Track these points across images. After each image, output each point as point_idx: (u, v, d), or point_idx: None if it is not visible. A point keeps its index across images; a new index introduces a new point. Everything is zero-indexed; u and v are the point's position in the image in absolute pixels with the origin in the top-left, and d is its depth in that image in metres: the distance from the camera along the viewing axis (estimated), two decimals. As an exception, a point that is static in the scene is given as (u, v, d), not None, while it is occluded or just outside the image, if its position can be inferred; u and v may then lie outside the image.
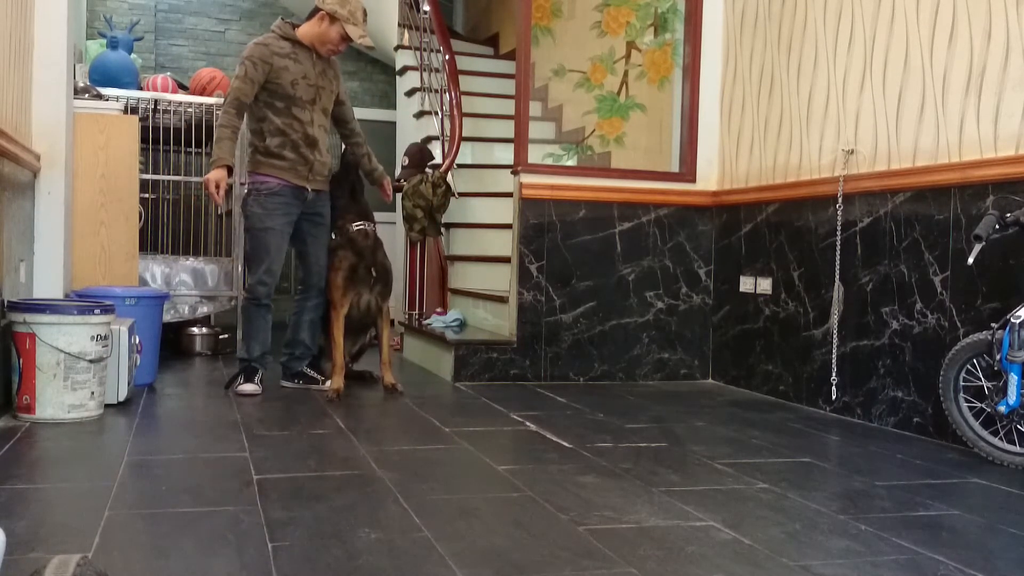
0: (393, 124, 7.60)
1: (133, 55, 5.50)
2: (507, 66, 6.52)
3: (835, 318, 3.75)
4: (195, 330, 5.31)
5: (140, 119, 4.69)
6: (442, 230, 5.75)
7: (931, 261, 3.32)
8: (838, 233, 3.76)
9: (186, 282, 5.25)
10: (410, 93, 6.99)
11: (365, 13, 3.88)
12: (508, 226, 4.64)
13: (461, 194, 5.84)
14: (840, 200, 3.74)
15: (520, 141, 4.46)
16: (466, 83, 6.24)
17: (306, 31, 3.89)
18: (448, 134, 5.97)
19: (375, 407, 3.69)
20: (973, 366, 2.98)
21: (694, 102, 4.71)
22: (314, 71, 3.88)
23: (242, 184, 4.83)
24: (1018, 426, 2.86)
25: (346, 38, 3.84)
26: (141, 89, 5.35)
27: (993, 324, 2.87)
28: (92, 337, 3.20)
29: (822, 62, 3.94)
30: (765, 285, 4.26)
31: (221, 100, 5.38)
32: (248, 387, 3.83)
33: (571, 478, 2.54)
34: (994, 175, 3.07)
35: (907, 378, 3.41)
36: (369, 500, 2.26)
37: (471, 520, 2.13)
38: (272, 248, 3.84)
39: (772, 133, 4.28)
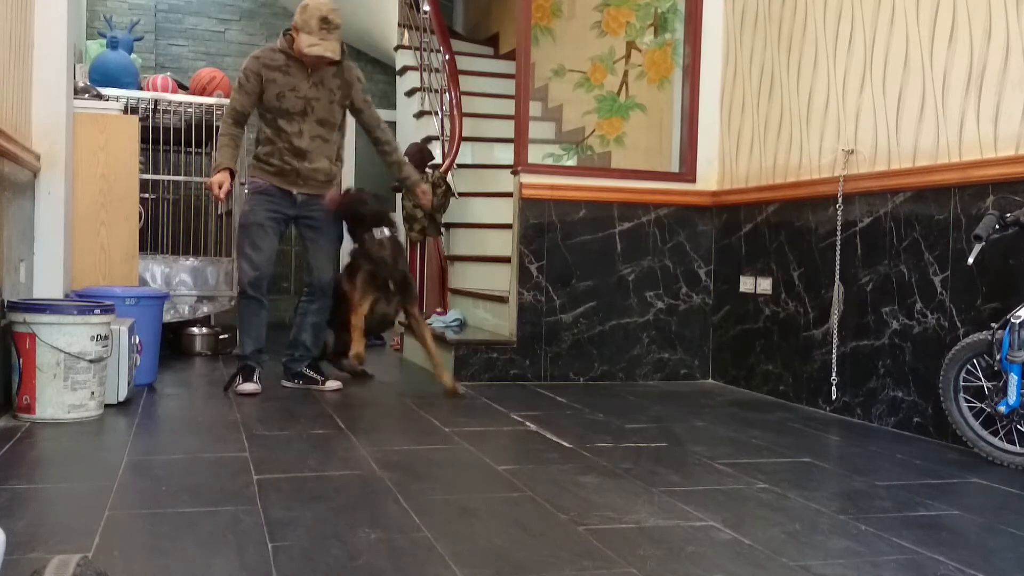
0: (393, 124, 7.60)
1: (133, 55, 5.50)
2: (507, 66, 6.52)
3: (835, 318, 3.75)
4: (195, 330, 5.31)
5: (140, 119, 4.69)
6: (442, 230, 5.75)
7: (931, 261, 3.32)
8: (838, 233, 3.76)
9: (186, 282, 5.25)
10: (410, 93, 6.99)
11: (325, 21, 3.74)
12: (508, 226, 4.64)
13: (461, 194, 5.84)
14: (840, 200, 3.74)
15: (520, 141, 4.46)
16: (466, 83, 6.24)
17: (295, 45, 3.88)
18: (448, 134, 5.98)
19: (375, 407, 3.69)
20: (973, 366, 2.98)
21: (694, 102, 4.71)
22: (306, 83, 3.87)
23: (242, 183, 4.85)
24: (1018, 426, 2.86)
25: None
26: (141, 89, 5.35)
27: (993, 324, 2.87)
28: (92, 337, 3.20)
29: (822, 62, 3.94)
30: (765, 285, 4.26)
31: (221, 100, 5.41)
32: (248, 386, 3.84)
33: (571, 478, 2.54)
34: (994, 175, 3.07)
35: (907, 378, 3.41)
36: (369, 500, 2.26)
37: (471, 520, 2.13)
38: (252, 241, 3.89)
39: (772, 133, 4.28)
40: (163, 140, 5.76)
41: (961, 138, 3.24)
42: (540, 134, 5.57)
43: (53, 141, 3.68)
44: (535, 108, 5.62)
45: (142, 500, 2.25)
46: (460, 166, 5.94)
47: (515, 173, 4.47)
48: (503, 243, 4.95)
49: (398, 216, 6.26)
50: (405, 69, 7.11)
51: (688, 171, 4.70)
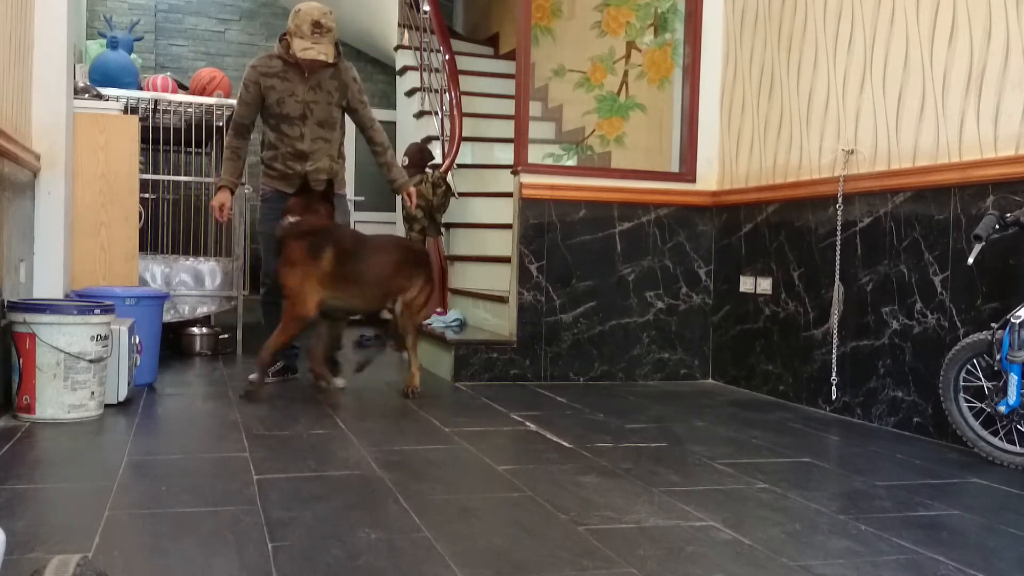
0: (393, 124, 7.60)
1: (133, 55, 5.50)
2: (507, 66, 6.52)
3: (835, 318, 3.75)
4: (195, 330, 5.31)
5: (140, 119, 4.69)
6: (442, 230, 5.75)
7: (931, 261, 3.32)
8: (838, 233, 3.76)
9: (186, 282, 5.25)
10: (410, 93, 6.99)
11: (317, 25, 3.79)
12: (508, 226, 4.64)
13: (461, 194, 5.84)
14: (840, 200, 3.74)
15: (520, 141, 4.46)
16: (466, 83, 6.24)
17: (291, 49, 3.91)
18: (448, 134, 5.98)
19: (375, 407, 3.69)
20: (973, 366, 2.98)
21: (694, 102, 4.71)
22: (304, 87, 3.95)
23: (245, 189, 4.93)
24: (1018, 426, 2.86)
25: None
26: (141, 89, 5.35)
27: (993, 324, 2.87)
28: (92, 337, 3.20)
29: (822, 62, 3.94)
30: (765, 285, 4.26)
31: (221, 100, 5.41)
32: (255, 376, 3.90)
33: (571, 478, 2.54)
34: (994, 175, 3.07)
35: (907, 378, 3.41)
36: (369, 500, 2.26)
37: (471, 520, 2.13)
38: (266, 248, 4.08)
39: (772, 133, 4.28)
40: (163, 140, 5.76)
41: (961, 138, 3.24)
42: (540, 134, 5.58)
43: (53, 141, 3.68)
44: (535, 108, 5.62)
45: (142, 500, 2.25)
46: (460, 166, 5.94)
47: (515, 173, 4.47)
48: (503, 243, 4.95)
49: (398, 216, 6.27)
50: (405, 69, 7.11)
51: (688, 171, 4.70)
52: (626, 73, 4.93)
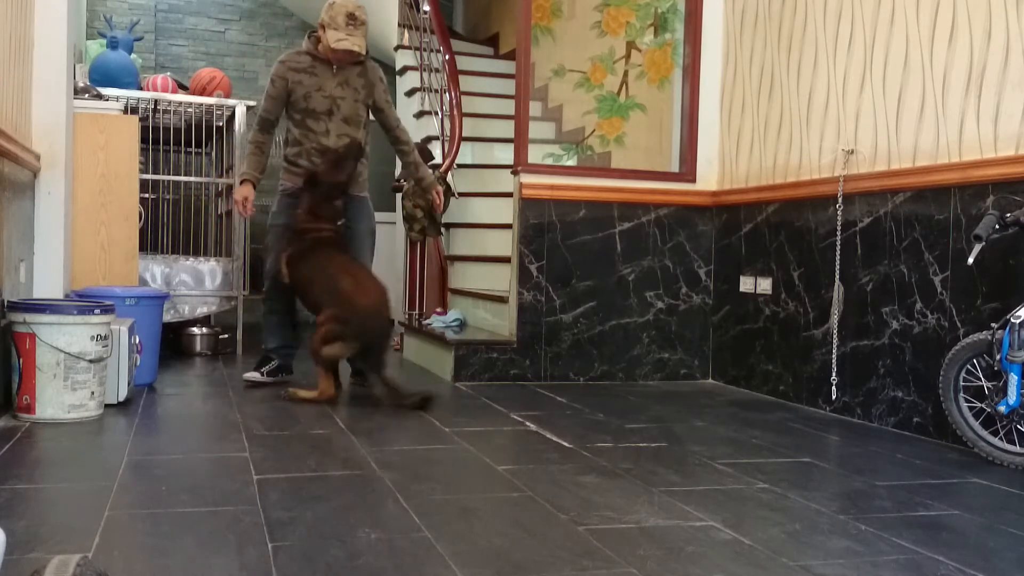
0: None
1: (133, 55, 5.50)
2: (507, 66, 6.52)
3: (835, 318, 3.75)
4: (195, 330, 5.31)
5: (140, 119, 4.69)
6: (442, 230, 5.75)
7: (931, 261, 3.32)
8: (838, 233, 3.76)
9: (186, 282, 5.25)
10: (410, 93, 6.99)
11: (351, 16, 3.83)
12: (508, 226, 4.64)
13: (461, 194, 5.84)
14: (840, 200, 3.74)
15: (520, 141, 4.46)
16: (466, 83, 6.24)
17: (322, 44, 3.94)
18: (448, 134, 5.97)
19: (375, 407, 3.68)
20: (973, 366, 2.98)
21: (694, 102, 4.71)
22: (332, 83, 3.95)
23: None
24: (1018, 426, 2.86)
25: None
26: (141, 89, 5.35)
27: (993, 324, 2.87)
28: (92, 337, 3.20)
29: (822, 62, 3.94)
30: (765, 285, 4.26)
31: (221, 100, 5.41)
32: (250, 374, 4.05)
33: (571, 478, 2.54)
34: (994, 175, 3.07)
35: (907, 378, 3.41)
36: (369, 500, 2.26)
37: (471, 520, 2.13)
38: (276, 241, 4.03)
39: (772, 133, 4.28)
40: (163, 140, 5.76)
41: (961, 138, 3.24)
42: (540, 134, 5.57)
43: (53, 141, 3.68)
44: (535, 108, 5.62)
45: (142, 500, 2.25)
46: (460, 166, 5.94)
47: (515, 173, 4.47)
48: (503, 243, 4.95)
49: (398, 216, 6.26)
50: (405, 69, 7.11)
51: (688, 171, 4.70)
52: (626, 73, 4.93)
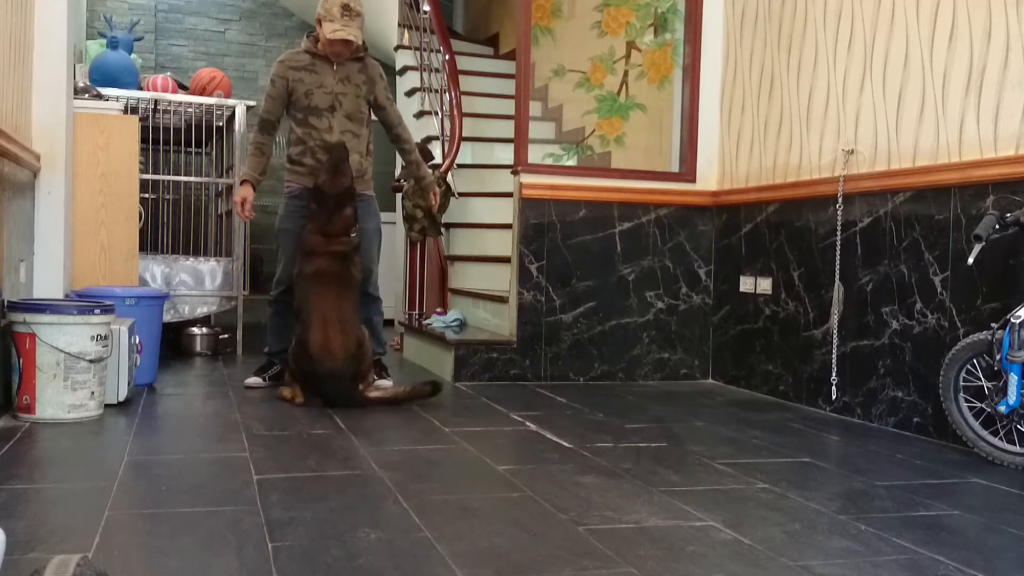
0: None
1: (133, 55, 5.50)
2: (507, 66, 6.52)
3: (835, 318, 3.75)
4: (195, 330, 5.31)
5: (140, 119, 4.69)
6: (442, 230, 5.75)
7: (931, 261, 3.32)
8: (838, 233, 3.76)
9: (186, 282, 5.25)
10: (410, 93, 6.99)
11: (346, 7, 3.84)
12: (508, 226, 4.64)
13: (461, 194, 5.84)
14: (840, 200, 3.74)
15: (520, 141, 4.46)
16: (466, 83, 6.24)
17: (320, 40, 3.95)
18: (448, 134, 5.97)
19: (375, 407, 3.68)
20: (973, 366, 2.98)
21: (694, 102, 4.71)
22: (333, 79, 3.95)
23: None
24: (1018, 426, 2.86)
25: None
26: (141, 89, 5.35)
27: (993, 324, 2.87)
28: (92, 337, 3.20)
29: (822, 62, 3.94)
30: (765, 285, 4.26)
31: (221, 100, 5.41)
32: (252, 379, 4.05)
33: (571, 478, 2.54)
34: (994, 175, 3.07)
35: (907, 378, 3.41)
36: (369, 500, 2.26)
37: (471, 520, 2.13)
38: (285, 248, 4.02)
39: (772, 133, 4.28)
40: (163, 140, 5.76)
41: (961, 138, 3.24)
42: (540, 134, 5.57)
43: (53, 141, 3.68)
44: (535, 108, 5.62)
45: (142, 500, 2.25)
46: (460, 166, 5.94)
47: (515, 173, 4.47)
48: (503, 243, 4.95)
49: (398, 216, 6.26)
50: (405, 69, 7.11)
51: (688, 171, 4.70)
52: (626, 73, 4.93)
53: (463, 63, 6.57)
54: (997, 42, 3.10)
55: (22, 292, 3.44)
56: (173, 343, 5.20)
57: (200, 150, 6.29)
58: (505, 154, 5.82)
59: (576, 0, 5.07)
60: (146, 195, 5.65)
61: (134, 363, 3.57)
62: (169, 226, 6.14)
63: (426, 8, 6.49)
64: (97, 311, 3.24)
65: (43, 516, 2.07)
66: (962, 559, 1.94)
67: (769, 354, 4.22)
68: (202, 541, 1.91)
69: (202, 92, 5.47)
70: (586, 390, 4.25)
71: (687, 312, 4.66)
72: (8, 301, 3.17)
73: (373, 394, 3.70)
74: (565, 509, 2.22)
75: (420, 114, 6.70)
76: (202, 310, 5.29)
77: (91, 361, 3.18)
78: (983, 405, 2.95)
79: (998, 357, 2.81)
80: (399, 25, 7.11)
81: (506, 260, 4.67)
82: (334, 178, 3.79)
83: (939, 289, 3.28)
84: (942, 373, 3.05)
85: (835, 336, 3.76)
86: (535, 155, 4.63)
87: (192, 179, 6.01)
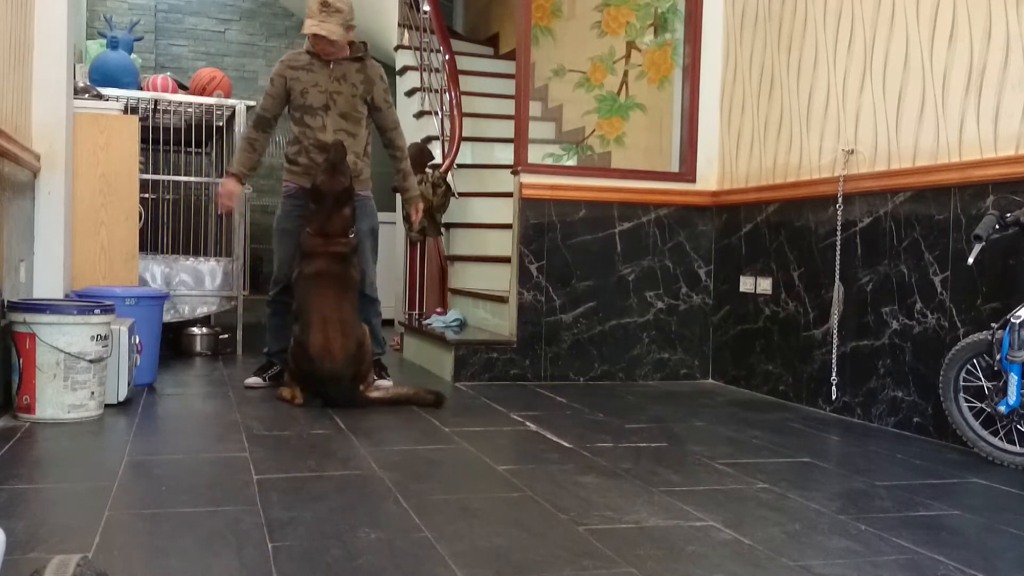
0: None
1: (133, 55, 5.50)
2: (507, 66, 6.52)
3: (835, 318, 3.75)
4: (195, 330, 5.31)
5: (140, 119, 4.69)
6: (442, 230, 5.75)
7: (931, 261, 3.32)
8: (838, 233, 3.76)
9: (186, 282, 5.25)
10: (410, 93, 6.99)
11: (324, 3, 3.84)
12: (508, 226, 4.64)
13: (461, 194, 5.84)
14: (840, 200, 3.74)
15: (520, 141, 4.46)
16: (466, 83, 6.24)
17: None
18: (448, 134, 5.97)
19: (375, 407, 3.68)
20: (973, 366, 2.98)
21: (694, 102, 4.71)
22: (328, 78, 3.95)
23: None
24: (1018, 426, 2.86)
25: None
26: (141, 89, 5.35)
27: (993, 324, 2.87)
28: (92, 337, 3.20)
29: (822, 62, 3.94)
30: (765, 285, 4.26)
31: (221, 100, 5.41)
32: (252, 379, 4.07)
33: (571, 478, 2.54)
34: (994, 175, 3.07)
35: (907, 378, 3.41)
36: (369, 500, 2.26)
37: (471, 520, 2.13)
38: (281, 247, 4.03)
39: (772, 133, 4.28)
40: (163, 140, 5.76)
41: (961, 138, 3.24)
42: (540, 134, 5.57)
43: (53, 141, 3.68)
44: (535, 108, 5.62)
45: (142, 500, 2.25)
46: (460, 166, 5.94)
47: (515, 173, 4.47)
48: (503, 243, 4.94)
49: (398, 216, 6.26)
50: (405, 69, 7.11)
51: (688, 171, 4.70)
52: (626, 73, 4.93)
53: (463, 63, 6.57)
54: (997, 42, 3.10)
55: (22, 292, 3.44)
56: (173, 343, 5.20)
57: (200, 150, 6.29)
58: (505, 154, 5.82)
59: (576, 0, 5.07)
60: (146, 195, 5.64)
61: (134, 363, 3.57)
62: (169, 226, 6.14)
63: (426, 8, 6.49)
64: (97, 311, 3.24)
65: (43, 516, 2.07)
66: (962, 559, 1.94)
67: (769, 354, 4.22)
68: (202, 541, 1.91)
69: (202, 92, 5.47)
70: (586, 390, 4.25)
71: (687, 312, 4.66)
72: (8, 301, 3.17)
73: (374, 394, 3.70)
74: (565, 509, 2.22)
75: (420, 114, 6.70)
76: (202, 310, 5.29)
77: (91, 361, 3.18)
78: (983, 405, 2.95)
79: (998, 357, 2.81)
80: (399, 25, 7.11)
81: (506, 260, 4.67)
82: (332, 177, 3.79)
83: (939, 289, 3.28)
84: (942, 373, 3.05)
85: (835, 336, 3.76)
86: (535, 155, 4.63)
87: (192, 179, 6.01)
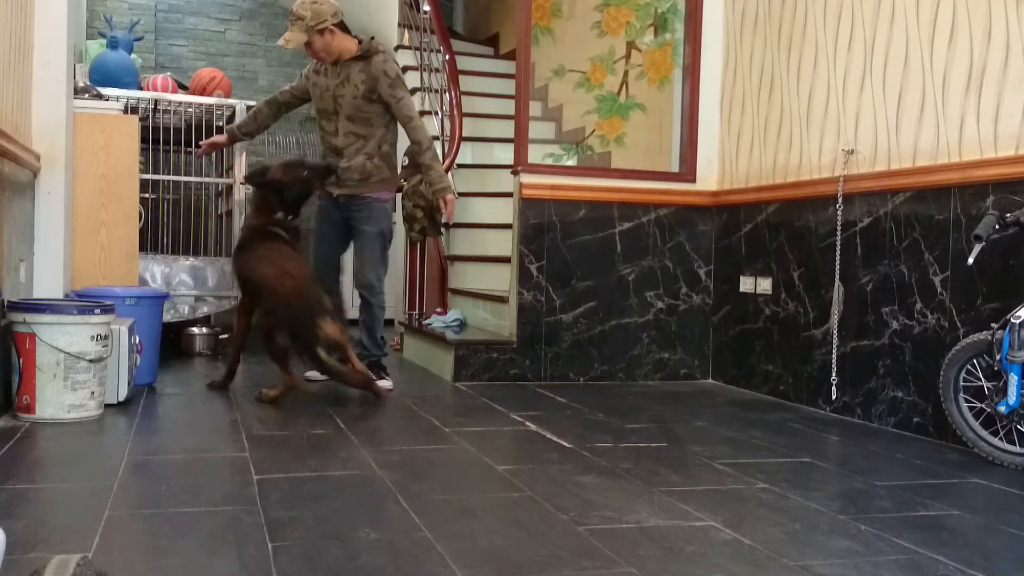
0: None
1: (133, 55, 5.50)
2: (507, 66, 6.52)
3: (835, 318, 3.75)
4: (195, 330, 5.30)
5: (140, 119, 4.68)
6: (442, 230, 5.75)
7: (931, 261, 3.32)
8: (838, 233, 3.76)
9: (186, 282, 5.25)
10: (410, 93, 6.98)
11: (291, 12, 3.92)
12: (508, 226, 4.64)
13: (461, 194, 5.83)
14: (840, 200, 3.74)
15: (520, 141, 4.46)
16: (466, 83, 6.24)
17: None
18: (448, 134, 5.97)
19: (375, 407, 3.68)
20: (973, 366, 2.98)
21: (694, 102, 4.71)
22: (334, 82, 3.99)
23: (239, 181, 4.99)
24: (1018, 426, 2.86)
25: (305, 45, 3.93)
26: (141, 89, 5.34)
27: (993, 324, 2.87)
28: (92, 337, 3.20)
29: (822, 62, 3.94)
30: (765, 285, 4.26)
31: (221, 100, 5.41)
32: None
33: (571, 478, 2.54)
34: (994, 175, 3.07)
35: (907, 378, 3.41)
36: (369, 500, 2.26)
37: (471, 520, 2.13)
38: (315, 250, 4.15)
39: (772, 133, 4.28)
40: (163, 140, 5.76)
41: (961, 138, 3.24)
42: (540, 134, 5.57)
43: (53, 141, 3.68)
44: (535, 108, 5.62)
45: (142, 500, 2.25)
46: (460, 166, 5.94)
47: (515, 173, 4.47)
48: (503, 243, 4.94)
49: (398, 216, 6.26)
50: (405, 69, 7.07)
51: (688, 171, 4.70)
52: (626, 73, 4.93)
53: (463, 63, 6.57)
54: (997, 42, 3.10)
55: (22, 292, 3.44)
56: (173, 343, 5.19)
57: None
58: (505, 154, 5.82)
59: (576, 0, 5.07)
60: (146, 195, 5.65)
61: (134, 363, 3.57)
62: (169, 226, 6.14)
63: (426, 8, 6.49)
64: (97, 311, 3.24)
65: (43, 516, 2.08)
66: (962, 559, 1.94)
67: (769, 354, 4.22)
68: (202, 541, 1.91)
69: (202, 92, 5.47)
70: (586, 390, 4.25)
71: (687, 312, 4.66)
72: (8, 301, 3.17)
73: (323, 354, 3.62)
74: (565, 509, 2.22)
75: (420, 114, 6.69)
76: (202, 310, 5.28)
77: (91, 361, 3.18)
78: (983, 405, 2.95)
79: (998, 357, 2.81)
80: (399, 25, 7.11)
81: (506, 260, 4.67)
82: (283, 169, 3.94)
83: (939, 289, 3.28)
84: (942, 373, 3.05)
85: (835, 336, 3.76)
86: (535, 155, 4.63)
87: (192, 179, 6.01)
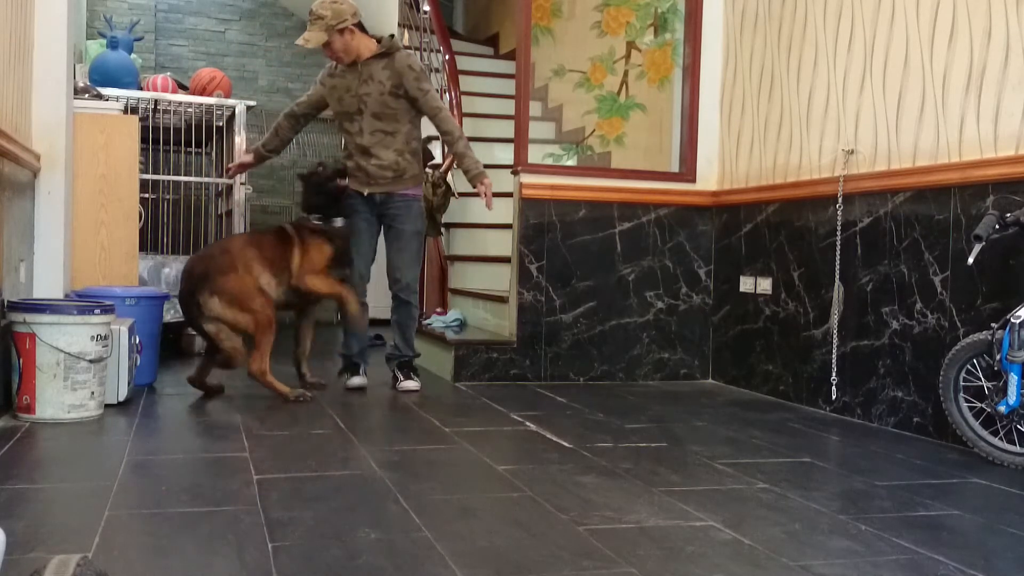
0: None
1: (133, 55, 5.50)
2: (507, 66, 6.52)
3: (835, 318, 3.75)
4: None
5: (140, 119, 4.69)
6: (442, 230, 5.75)
7: (931, 261, 3.32)
8: (838, 233, 3.76)
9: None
10: (410, 93, 6.98)
11: (311, 12, 3.93)
12: (508, 226, 4.64)
13: (461, 194, 5.83)
14: (840, 200, 3.74)
15: (520, 141, 4.46)
16: (466, 83, 6.24)
17: None
18: (448, 134, 5.96)
19: (375, 407, 3.68)
20: (973, 366, 2.98)
21: (694, 102, 4.71)
22: (356, 82, 3.97)
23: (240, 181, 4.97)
24: (1018, 426, 2.86)
25: (324, 45, 3.92)
26: (141, 89, 5.35)
27: (993, 324, 2.87)
28: (92, 337, 3.20)
29: (822, 62, 3.94)
30: (765, 285, 4.26)
31: (221, 100, 5.41)
32: (356, 380, 4.06)
33: (571, 478, 2.54)
34: (994, 175, 3.07)
35: (907, 378, 3.41)
36: (369, 500, 2.26)
37: (471, 520, 2.13)
38: (354, 248, 4.05)
39: (772, 133, 4.28)
40: (163, 140, 5.76)
41: (961, 138, 3.24)
42: (540, 134, 5.57)
43: (53, 141, 3.68)
44: (535, 108, 5.62)
45: (142, 500, 2.25)
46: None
47: (515, 173, 4.47)
48: (503, 243, 4.94)
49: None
50: (405, 69, 7.10)
51: (688, 171, 4.70)
52: (626, 73, 4.93)
53: (463, 63, 6.57)
54: (997, 42, 3.10)
55: (22, 292, 3.44)
56: (173, 343, 5.19)
57: (200, 150, 6.29)
58: (505, 154, 5.81)
59: (576, 0, 5.07)
60: (146, 195, 5.64)
61: (134, 363, 3.57)
62: (169, 226, 6.14)
63: (426, 8, 6.50)
64: (97, 311, 3.24)
65: (43, 516, 2.08)
66: (962, 559, 1.94)
67: (769, 354, 4.22)
68: (202, 541, 1.91)
69: (202, 92, 5.47)
70: (586, 390, 4.25)
71: (687, 312, 4.66)
72: (8, 301, 3.17)
73: (226, 341, 3.70)
74: (565, 509, 2.22)
75: (420, 114, 6.69)
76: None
77: (91, 361, 3.18)
78: (983, 405, 2.95)
79: (998, 357, 2.81)
80: (399, 25, 7.11)
81: (506, 260, 4.67)
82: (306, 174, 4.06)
83: (939, 289, 3.28)
84: (942, 373, 3.05)
85: (835, 336, 3.76)
86: (535, 155, 4.63)
87: (192, 179, 6.02)
